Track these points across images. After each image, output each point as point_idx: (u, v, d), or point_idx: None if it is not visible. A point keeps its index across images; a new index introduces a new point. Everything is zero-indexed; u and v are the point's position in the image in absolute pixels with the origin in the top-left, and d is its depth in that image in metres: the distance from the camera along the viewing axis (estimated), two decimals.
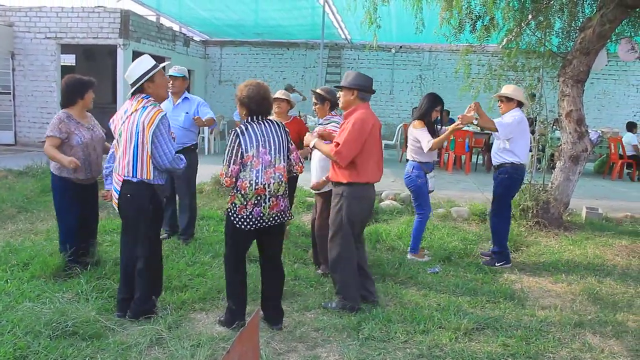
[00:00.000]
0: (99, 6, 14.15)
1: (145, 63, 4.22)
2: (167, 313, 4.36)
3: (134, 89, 4.18)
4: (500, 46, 9.00)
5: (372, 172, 4.67)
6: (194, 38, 18.50)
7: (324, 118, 5.41)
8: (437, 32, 7.47)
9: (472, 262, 6.15)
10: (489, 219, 6.46)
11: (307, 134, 5.06)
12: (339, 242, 4.68)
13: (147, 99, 4.18)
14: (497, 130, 5.93)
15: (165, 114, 4.19)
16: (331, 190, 4.95)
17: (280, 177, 4.11)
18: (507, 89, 6.13)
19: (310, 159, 5.66)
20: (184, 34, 17.61)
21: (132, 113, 4.12)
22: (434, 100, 6.08)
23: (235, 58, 19.42)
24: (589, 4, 8.28)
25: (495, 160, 6.16)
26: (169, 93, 6.14)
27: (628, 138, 13.80)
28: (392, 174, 10.63)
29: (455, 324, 4.34)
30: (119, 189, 4.16)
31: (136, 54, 13.78)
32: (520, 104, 6.09)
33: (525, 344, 4.14)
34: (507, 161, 6.03)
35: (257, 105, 4.05)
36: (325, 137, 4.94)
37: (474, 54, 8.78)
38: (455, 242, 6.76)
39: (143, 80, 4.16)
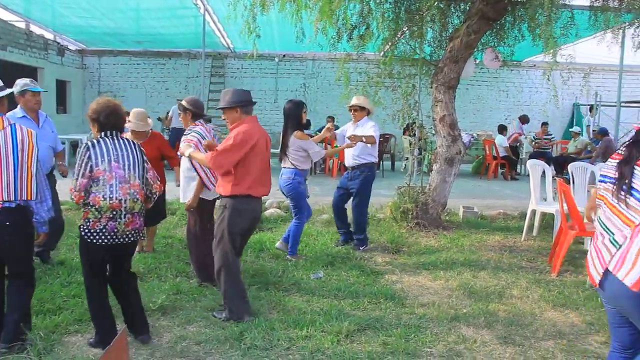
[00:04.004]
0: None
1: None
2: (36, 339, 4.09)
3: None
4: (381, 54, 9.29)
5: (256, 186, 4.66)
6: (69, 47, 17.58)
7: (188, 128, 5.45)
8: (312, 41, 7.58)
9: (355, 265, 6.28)
10: (353, 212, 7.00)
11: (182, 143, 5.04)
12: (220, 254, 4.68)
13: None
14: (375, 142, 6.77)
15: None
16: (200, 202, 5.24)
17: (136, 194, 3.99)
18: (359, 100, 6.92)
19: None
20: (58, 43, 16.68)
21: None
22: (299, 106, 6.38)
23: (115, 68, 18.66)
24: (457, 15, 8.75)
25: (355, 162, 6.85)
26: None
27: (500, 140, 14.73)
28: (276, 183, 10.65)
29: (337, 327, 4.41)
30: None
31: (2, 63, 12.96)
32: (368, 112, 7.01)
33: (405, 341, 4.28)
34: (369, 161, 6.90)
35: (106, 117, 3.94)
36: (211, 147, 4.91)
37: (353, 62, 9.02)
38: (338, 247, 6.89)
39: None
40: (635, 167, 2.66)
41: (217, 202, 4.95)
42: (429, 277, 6.01)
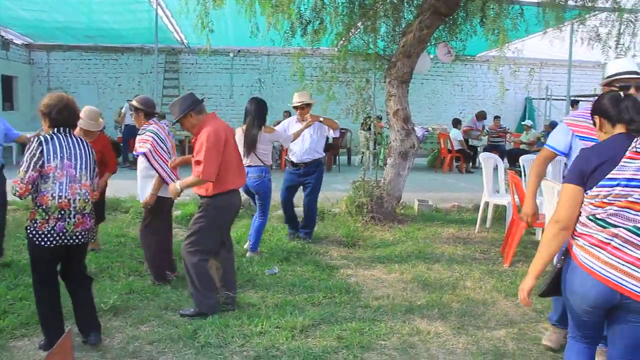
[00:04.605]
0: None
1: None
2: None
3: None
4: (336, 49, 9.31)
5: (234, 179, 4.72)
6: (15, 41, 16.95)
7: (141, 127, 5.41)
8: (266, 36, 7.53)
9: (310, 260, 6.28)
10: (306, 207, 7.09)
11: (137, 143, 5.00)
12: (196, 250, 4.66)
13: None
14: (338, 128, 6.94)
15: None
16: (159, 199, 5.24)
17: (87, 194, 3.91)
18: (303, 97, 6.93)
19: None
20: (2, 36, 16.03)
21: None
22: (264, 105, 6.38)
23: (65, 64, 18.11)
24: (410, 10, 8.82)
25: (313, 156, 6.92)
26: None
27: (454, 134, 14.95)
28: None
29: (291, 322, 4.40)
30: None
31: None
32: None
33: (359, 334, 4.29)
34: (322, 156, 7.11)
35: (58, 113, 3.82)
36: (185, 161, 5.09)
37: (308, 57, 9.01)
38: (294, 242, 6.89)
39: None
40: None
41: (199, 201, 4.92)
42: (383, 270, 6.05)
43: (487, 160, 8.11)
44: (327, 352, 4.01)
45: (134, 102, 5.50)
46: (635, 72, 3.70)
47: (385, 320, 4.61)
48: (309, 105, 6.93)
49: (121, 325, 4.42)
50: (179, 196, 4.97)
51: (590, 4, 8.09)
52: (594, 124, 2.91)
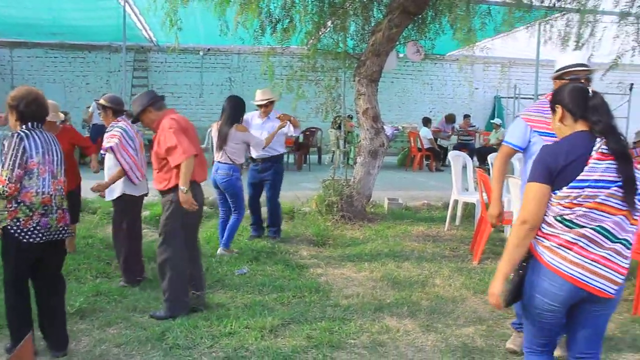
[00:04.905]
0: None
1: None
2: None
3: None
4: (306, 48, 9.30)
5: (197, 171, 4.65)
6: None
7: (110, 125, 5.39)
8: (236, 35, 7.49)
9: (280, 259, 6.26)
10: (269, 204, 7.07)
11: (105, 140, 4.97)
12: (167, 248, 4.62)
13: None
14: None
15: None
16: (123, 197, 5.24)
17: (62, 189, 3.89)
18: (265, 95, 6.95)
19: None
20: None
21: None
22: (243, 103, 6.41)
23: (30, 61, 17.67)
24: (379, 9, 8.84)
25: (270, 153, 6.89)
26: None
27: (424, 132, 15.05)
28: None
29: (261, 322, 4.38)
30: None
31: None
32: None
33: (329, 333, 4.29)
34: (280, 152, 7.12)
35: (26, 106, 3.72)
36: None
37: (278, 55, 8.98)
38: (263, 241, 6.86)
39: None
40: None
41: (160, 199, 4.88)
42: (353, 269, 6.06)
43: (456, 158, 8.18)
44: (296, 351, 4.00)
45: (102, 101, 5.48)
46: (584, 65, 3.76)
47: (355, 319, 4.62)
48: (272, 102, 6.95)
49: (87, 329, 4.35)
50: (191, 202, 4.52)
51: (556, 5, 8.22)
52: (554, 112, 2.82)
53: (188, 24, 9.77)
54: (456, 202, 8.06)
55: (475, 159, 14.24)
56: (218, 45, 17.52)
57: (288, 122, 6.79)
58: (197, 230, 5.04)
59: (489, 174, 7.33)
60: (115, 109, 5.41)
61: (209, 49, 18.13)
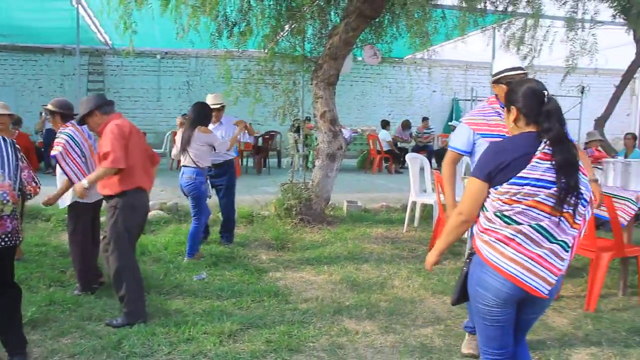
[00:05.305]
0: None
1: None
2: None
3: None
4: (264, 51, 9.27)
5: (141, 178, 4.61)
6: None
7: (59, 131, 5.24)
8: (192, 38, 7.41)
9: (239, 264, 6.22)
10: (224, 209, 7.05)
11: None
12: (118, 255, 4.54)
13: None
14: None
15: None
16: (74, 205, 5.12)
17: (6, 195, 3.71)
18: (217, 99, 6.95)
19: None
20: None
21: None
22: (204, 107, 6.42)
23: None
24: (336, 13, 8.89)
25: (224, 158, 6.85)
26: None
27: (383, 135, 15.18)
28: (161, 184, 10.31)
29: (219, 327, 4.34)
30: None
31: None
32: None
33: (288, 337, 4.28)
34: (232, 157, 7.10)
35: None
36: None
37: (236, 59, 8.93)
38: (222, 246, 6.81)
39: None
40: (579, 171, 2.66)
41: (104, 204, 4.83)
42: (312, 272, 6.06)
43: (413, 160, 8.27)
44: (255, 356, 3.97)
45: (49, 106, 5.33)
46: (520, 68, 3.84)
47: (314, 322, 4.62)
48: (223, 107, 6.97)
49: (40, 339, 4.22)
50: (85, 195, 4.73)
51: (509, 10, 8.40)
52: (508, 111, 2.83)
53: (144, 27, 9.61)
54: (414, 203, 8.14)
55: (433, 160, 14.41)
56: (175, 48, 17.36)
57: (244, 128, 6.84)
58: (138, 236, 4.94)
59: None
60: (63, 113, 5.25)
61: (166, 53, 17.94)
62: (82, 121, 4.74)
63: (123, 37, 8.19)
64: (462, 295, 2.94)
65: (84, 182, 4.62)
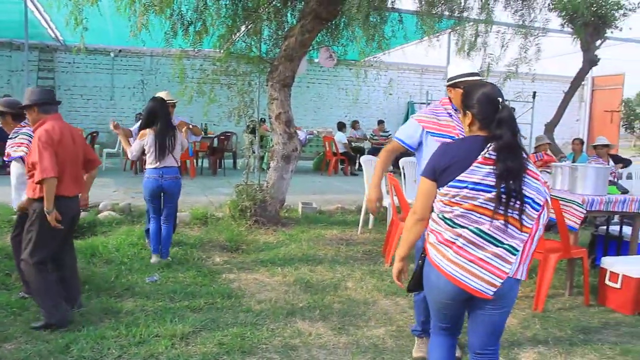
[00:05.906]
0: None
1: None
2: None
3: None
4: (221, 51, 9.20)
5: (67, 185, 4.48)
6: None
7: (13, 132, 5.08)
8: (146, 36, 7.28)
9: (192, 266, 6.16)
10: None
11: (9, 148, 4.66)
12: (33, 261, 4.42)
13: None
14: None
15: None
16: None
17: None
18: (169, 96, 6.76)
19: None
20: None
21: None
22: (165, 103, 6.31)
23: None
24: (292, 14, 8.89)
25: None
26: None
27: (339, 137, 15.26)
28: (114, 184, 10.13)
29: (171, 330, 4.29)
30: None
31: None
32: None
33: (241, 339, 4.26)
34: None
35: None
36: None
37: (192, 58, 8.84)
38: (175, 248, 6.70)
39: None
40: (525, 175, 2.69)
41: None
42: (266, 273, 6.04)
43: (367, 162, 8.34)
44: (207, 358, 3.94)
45: None
46: (477, 74, 3.92)
47: (267, 324, 4.61)
48: (174, 105, 6.88)
49: None
50: (25, 210, 4.59)
51: (464, 16, 8.55)
52: (464, 114, 2.87)
53: (97, 24, 9.44)
54: None
55: None
56: (130, 46, 17.05)
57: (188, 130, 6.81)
58: (68, 238, 4.84)
59: (400, 178, 7.54)
60: (14, 113, 5.06)
61: (120, 50, 17.60)
62: (21, 111, 4.64)
63: (74, 33, 8.01)
64: (416, 284, 3.02)
65: (46, 210, 4.34)
